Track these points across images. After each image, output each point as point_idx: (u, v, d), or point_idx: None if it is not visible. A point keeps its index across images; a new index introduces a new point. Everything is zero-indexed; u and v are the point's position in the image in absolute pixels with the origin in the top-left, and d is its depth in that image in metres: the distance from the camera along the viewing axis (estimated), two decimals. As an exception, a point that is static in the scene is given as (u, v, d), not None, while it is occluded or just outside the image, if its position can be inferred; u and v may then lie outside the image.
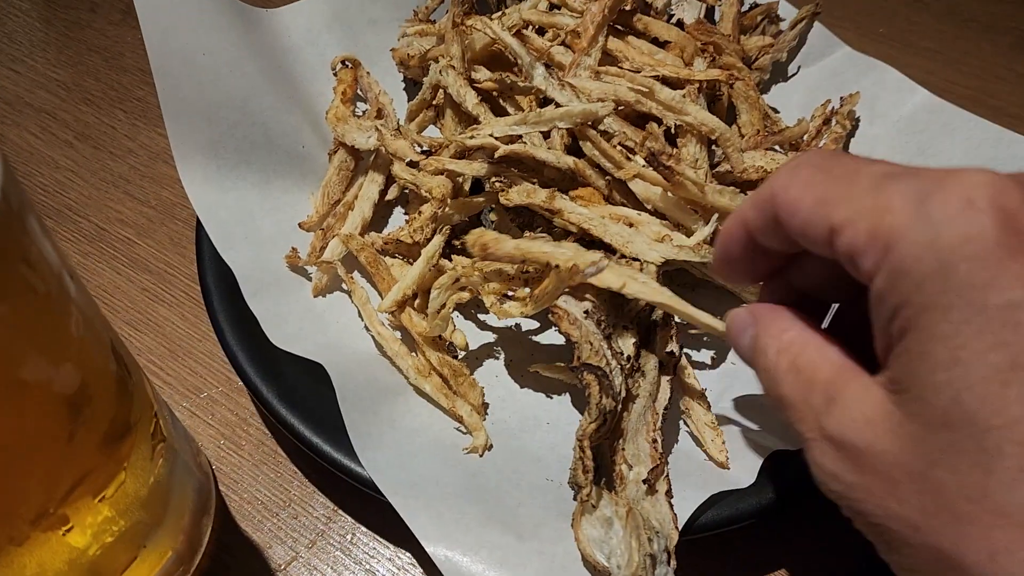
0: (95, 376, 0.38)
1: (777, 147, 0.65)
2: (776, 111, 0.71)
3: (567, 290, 0.52)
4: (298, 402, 0.53)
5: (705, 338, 0.60)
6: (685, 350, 0.59)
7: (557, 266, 0.51)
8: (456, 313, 0.61)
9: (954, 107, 0.65)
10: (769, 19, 0.73)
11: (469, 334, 0.59)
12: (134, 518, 0.44)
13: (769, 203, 0.37)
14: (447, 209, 0.59)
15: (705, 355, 0.59)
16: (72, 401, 0.36)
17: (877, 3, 0.89)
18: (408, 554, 0.53)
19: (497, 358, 0.59)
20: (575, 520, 0.45)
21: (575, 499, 0.46)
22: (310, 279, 0.61)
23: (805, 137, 0.65)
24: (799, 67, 0.73)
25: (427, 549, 0.45)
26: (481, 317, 0.61)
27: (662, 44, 0.65)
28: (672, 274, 0.61)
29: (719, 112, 0.66)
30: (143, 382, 0.44)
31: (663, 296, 0.48)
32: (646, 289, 0.48)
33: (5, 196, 0.31)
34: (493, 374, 0.58)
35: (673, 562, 0.45)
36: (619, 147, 0.57)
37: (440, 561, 0.45)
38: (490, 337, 0.60)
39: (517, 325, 0.61)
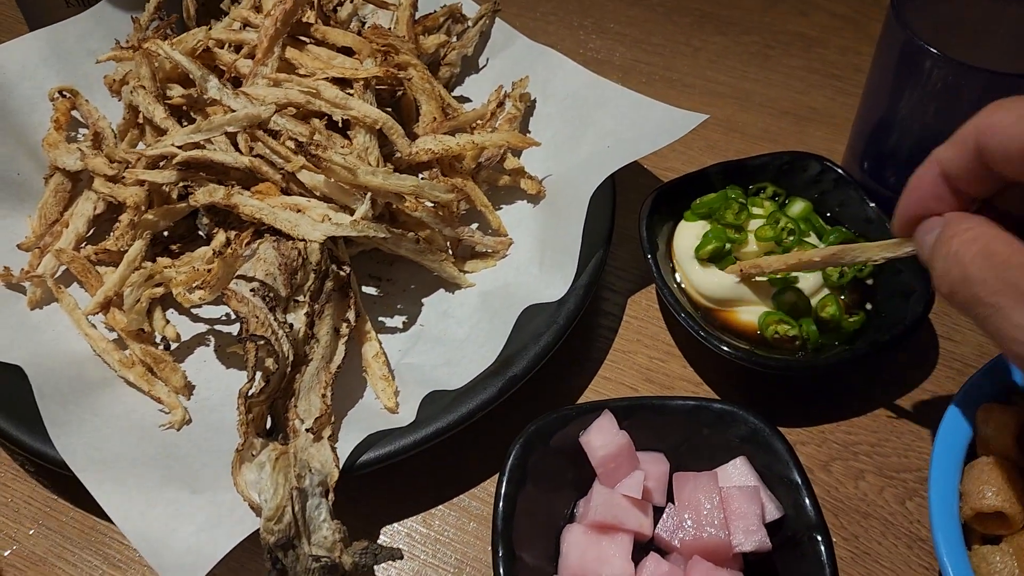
0: None
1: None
2: (468, 100, 0.79)
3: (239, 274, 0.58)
4: (6, 406, 0.57)
5: (399, 305, 0.67)
6: (381, 318, 0.66)
7: (222, 253, 0.58)
8: (171, 310, 0.66)
9: (608, 82, 0.74)
10: (454, 19, 0.81)
11: (183, 328, 0.65)
12: None
13: (970, 136, 0.39)
14: (150, 216, 0.65)
15: (398, 320, 0.67)
16: None
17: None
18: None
19: (208, 346, 0.65)
20: (234, 468, 0.51)
21: (242, 452, 0.52)
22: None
23: (481, 121, 0.73)
24: (488, 60, 0.81)
25: (109, 513, 0.51)
26: (194, 312, 0.67)
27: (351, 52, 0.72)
28: (370, 252, 0.68)
29: (406, 107, 0.73)
30: None
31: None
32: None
33: None
34: (202, 360, 0.64)
35: (331, 496, 0.51)
36: (291, 143, 0.64)
37: (120, 522, 0.51)
38: (203, 328, 0.66)
39: (227, 315, 0.67)
